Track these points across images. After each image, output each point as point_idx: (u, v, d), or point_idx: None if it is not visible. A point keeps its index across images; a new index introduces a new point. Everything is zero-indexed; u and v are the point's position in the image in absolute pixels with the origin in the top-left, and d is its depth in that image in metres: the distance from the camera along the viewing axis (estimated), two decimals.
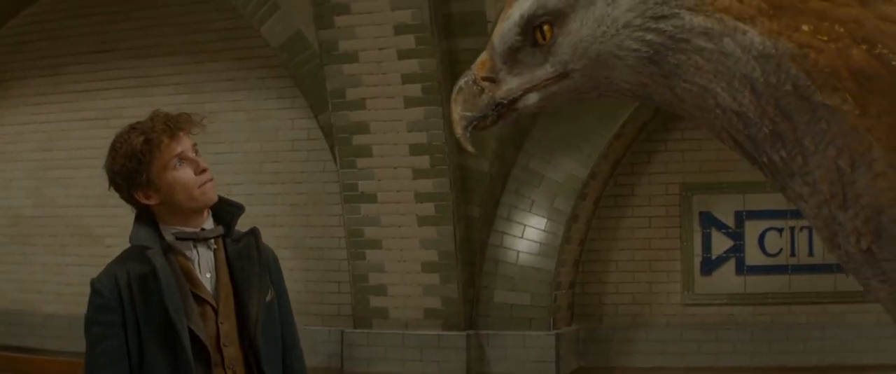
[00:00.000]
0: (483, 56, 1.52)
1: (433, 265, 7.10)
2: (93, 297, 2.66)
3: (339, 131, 7.01)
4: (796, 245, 7.51)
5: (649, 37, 1.33)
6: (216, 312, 2.67)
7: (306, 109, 7.61)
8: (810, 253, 7.48)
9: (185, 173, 2.62)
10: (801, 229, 7.50)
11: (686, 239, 7.77)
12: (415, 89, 6.78)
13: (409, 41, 6.66)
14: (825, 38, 1.25)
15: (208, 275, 2.69)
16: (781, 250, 7.55)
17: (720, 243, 7.71)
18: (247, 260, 2.71)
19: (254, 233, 2.76)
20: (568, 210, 7.37)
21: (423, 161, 6.92)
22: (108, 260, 2.69)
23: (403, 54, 6.70)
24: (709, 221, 7.75)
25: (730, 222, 7.70)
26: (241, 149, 7.83)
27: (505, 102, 1.50)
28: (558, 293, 7.52)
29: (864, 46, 1.24)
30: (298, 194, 7.75)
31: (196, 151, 2.69)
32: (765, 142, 1.28)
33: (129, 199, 2.68)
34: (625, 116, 7.32)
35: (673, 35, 1.31)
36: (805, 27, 1.27)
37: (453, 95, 1.52)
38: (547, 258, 7.38)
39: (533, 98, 1.49)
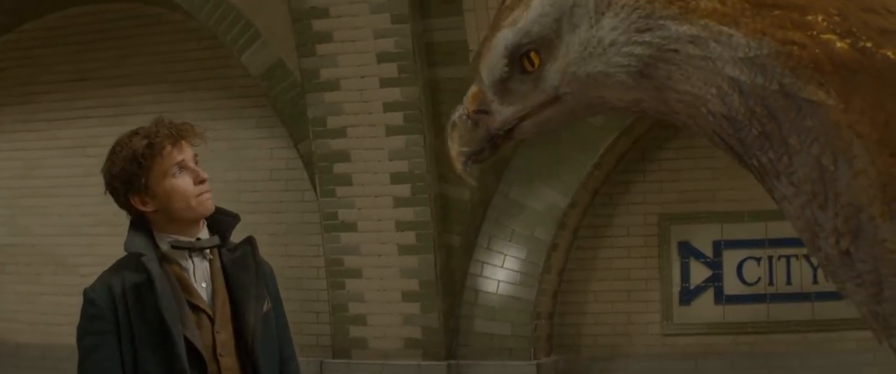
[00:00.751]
0: (473, 89, 1.50)
1: (413, 295, 7.07)
2: (86, 307, 2.62)
3: (320, 160, 6.99)
4: (774, 274, 7.55)
5: (637, 50, 1.32)
6: (212, 321, 2.63)
7: (285, 138, 7.59)
8: (788, 282, 7.52)
9: (185, 182, 2.60)
10: (779, 257, 7.55)
11: (664, 269, 7.80)
12: (396, 118, 6.79)
13: (391, 69, 6.67)
14: (809, 33, 1.24)
15: (204, 284, 2.65)
16: (760, 279, 7.59)
17: (698, 273, 7.73)
18: (243, 269, 2.67)
19: (250, 242, 2.73)
20: (548, 239, 7.38)
21: (404, 190, 6.91)
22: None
23: (385, 83, 6.71)
24: (687, 250, 7.78)
25: (708, 251, 7.74)
26: (220, 178, 7.77)
27: (501, 132, 1.49)
28: (538, 323, 7.51)
29: (849, 40, 1.23)
30: (277, 223, 7.71)
31: (196, 162, 2.67)
32: (754, 144, 1.27)
33: (125, 204, 2.65)
34: (605, 145, 7.35)
35: (661, 46, 1.31)
36: (788, 23, 1.25)
37: (448, 132, 1.51)
38: (527, 288, 7.37)
39: (528, 125, 1.48)
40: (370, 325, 7.18)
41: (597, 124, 7.33)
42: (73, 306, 8.51)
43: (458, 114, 1.51)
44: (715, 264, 7.71)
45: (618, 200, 7.91)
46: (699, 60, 1.28)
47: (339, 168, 6.97)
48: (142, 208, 2.62)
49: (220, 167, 7.82)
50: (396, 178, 6.90)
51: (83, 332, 2.62)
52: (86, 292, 2.64)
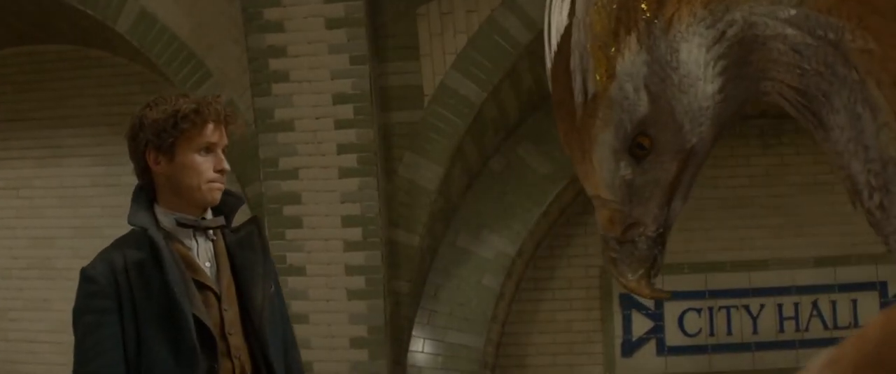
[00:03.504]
0: (604, 215, 1.41)
1: (362, 341, 6.95)
2: (83, 284, 2.51)
3: (270, 201, 6.89)
4: (715, 325, 7.67)
5: (726, 61, 1.31)
6: (219, 299, 2.55)
7: (231, 183, 7.46)
8: (729, 332, 7.65)
9: (206, 163, 2.54)
10: (719, 308, 7.69)
11: (606, 321, 7.85)
12: (350, 160, 6.75)
13: (347, 111, 6.65)
14: None
15: (207, 264, 2.57)
16: (701, 330, 7.70)
17: (640, 325, 7.80)
18: (249, 249, 2.61)
19: (255, 222, 2.68)
20: (496, 288, 7.38)
21: (356, 233, 6.84)
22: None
23: (340, 124, 6.69)
24: (629, 302, 7.85)
25: (649, 303, 7.81)
26: None
27: (662, 230, 1.41)
28: (486, 373, 7.46)
29: None
30: None
31: (224, 152, 2.61)
32: (821, 110, 1.30)
33: (139, 155, 2.58)
34: (553, 194, 7.43)
35: (737, 36, 1.30)
36: None
37: (615, 273, 1.44)
38: (475, 336, 7.33)
39: (677, 203, 1.41)
40: (317, 372, 7.01)
41: (544, 173, 7.42)
42: (3, 353, 8.05)
43: (610, 250, 1.42)
44: (656, 316, 7.79)
45: (559, 252, 7.97)
46: (767, 40, 1.29)
47: (289, 210, 6.87)
48: (152, 166, 2.55)
49: None
50: (348, 221, 6.83)
51: (81, 311, 2.51)
52: (84, 270, 2.53)
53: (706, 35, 1.30)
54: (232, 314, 2.55)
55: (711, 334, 7.66)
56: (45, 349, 7.39)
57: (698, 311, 7.72)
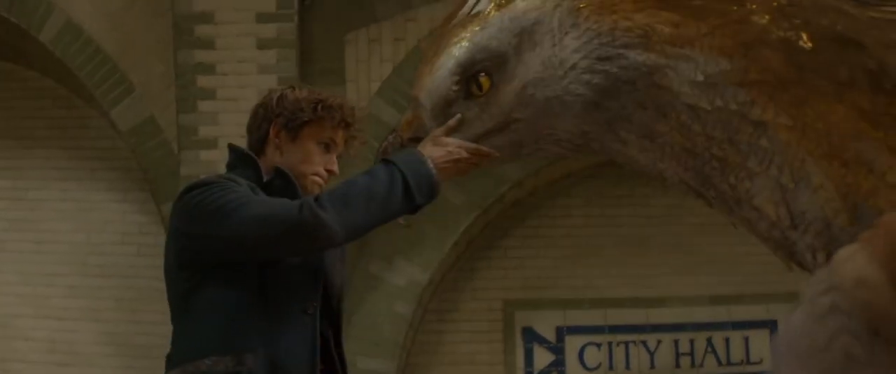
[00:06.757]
0: (407, 115, 1.45)
1: None
2: (208, 186, 2.47)
3: None
4: (614, 359, 7.93)
5: (596, 80, 1.31)
6: None
7: (140, 202, 7.41)
8: (627, 367, 7.91)
9: (319, 158, 2.61)
10: (618, 343, 7.95)
11: (509, 354, 8.01)
12: None
13: None
14: (751, 46, 1.26)
15: None
16: (600, 364, 7.94)
17: (542, 358, 8.00)
18: None
19: None
20: (408, 315, 7.47)
21: None
22: None
23: None
24: (531, 336, 8.05)
25: (551, 337, 8.04)
26: (65, 239, 7.45)
27: None
28: None
29: (783, 51, 1.25)
30: (127, 288, 7.42)
31: (337, 157, 2.69)
32: (713, 174, 1.29)
33: (262, 122, 2.60)
34: (464, 225, 7.59)
35: (619, 76, 1.30)
36: (734, 33, 1.27)
37: (376, 159, 1.45)
38: (386, 362, 7.39)
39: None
40: None
41: (457, 203, 7.59)
42: None
43: (391, 140, 1.44)
44: (557, 350, 8.00)
45: (462, 285, 8.12)
46: (656, 91, 1.29)
47: None
48: (273, 138, 2.58)
49: (67, 229, 7.52)
50: None
51: (220, 193, 2.42)
52: (195, 183, 2.53)
53: (598, 50, 1.29)
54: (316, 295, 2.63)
55: (610, 367, 7.91)
56: None
57: (598, 345, 7.96)
